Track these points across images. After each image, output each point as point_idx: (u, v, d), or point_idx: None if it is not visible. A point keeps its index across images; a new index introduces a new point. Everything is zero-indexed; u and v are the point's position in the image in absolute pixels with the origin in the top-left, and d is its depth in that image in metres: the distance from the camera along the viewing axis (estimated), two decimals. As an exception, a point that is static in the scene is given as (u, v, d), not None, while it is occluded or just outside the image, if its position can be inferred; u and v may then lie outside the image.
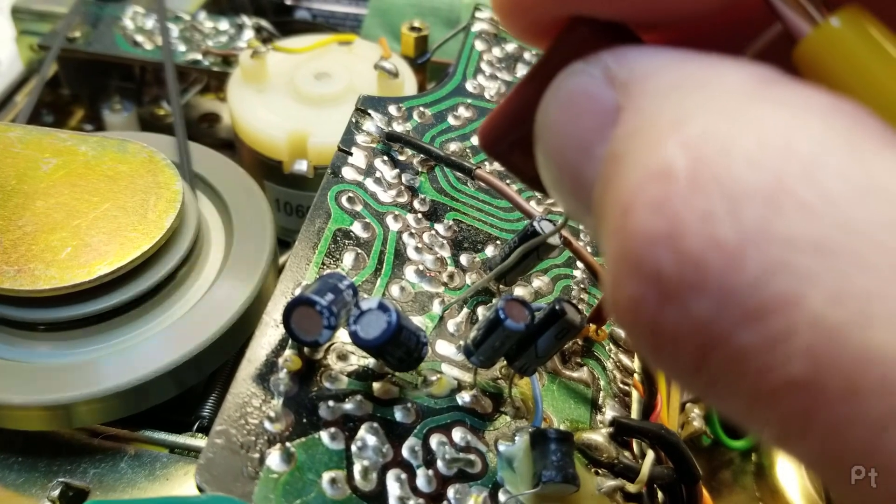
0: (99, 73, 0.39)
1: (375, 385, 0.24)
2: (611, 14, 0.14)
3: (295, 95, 0.35)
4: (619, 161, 0.12)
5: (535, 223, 0.25)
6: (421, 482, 0.22)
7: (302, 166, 0.33)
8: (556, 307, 0.23)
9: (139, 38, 0.38)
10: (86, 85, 0.39)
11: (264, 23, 0.39)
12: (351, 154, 0.28)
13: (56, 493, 0.25)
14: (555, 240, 0.25)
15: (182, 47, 0.38)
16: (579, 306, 0.28)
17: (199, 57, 0.38)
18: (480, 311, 0.26)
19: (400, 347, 0.22)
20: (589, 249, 0.28)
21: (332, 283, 0.23)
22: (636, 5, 0.14)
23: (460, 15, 0.40)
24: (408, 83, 0.35)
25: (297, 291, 0.24)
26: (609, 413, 0.26)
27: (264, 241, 0.30)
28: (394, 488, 0.22)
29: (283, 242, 0.32)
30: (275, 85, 0.35)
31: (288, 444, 0.21)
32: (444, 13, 0.41)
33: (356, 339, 0.22)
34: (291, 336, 0.22)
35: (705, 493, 0.26)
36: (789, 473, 0.31)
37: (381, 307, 0.22)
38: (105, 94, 0.39)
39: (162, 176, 0.28)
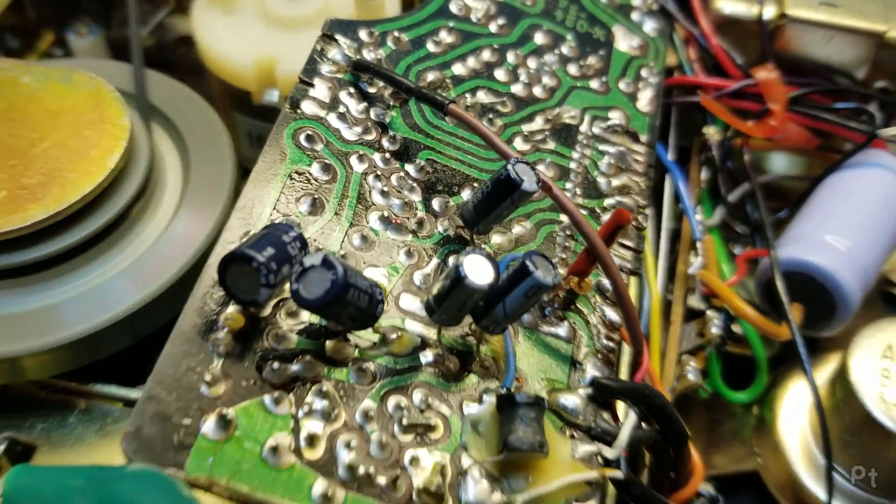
0: (65, -1, 0.36)
1: (328, 344, 0.22)
2: None
3: (265, 18, 0.32)
4: None
5: (510, 166, 0.22)
6: (374, 449, 0.20)
7: (273, 97, 0.31)
8: (526, 263, 0.21)
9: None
10: (52, 7, 0.37)
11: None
12: (313, 86, 0.26)
13: (1, 448, 0.24)
14: (531, 185, 0.22)
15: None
16: (564, 255, 0.25)
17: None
18: (452, 261, 0.24)
19: (348, 307, 0.20)
20: (567, 187, 0.26)
21: (276, 235, 0.21)
22: None
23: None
24: (389, 5, 0.32)
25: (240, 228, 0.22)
26: (590, 371, 0.23)
27: (224, 176, 0.28)
28: (343, 456, 0.20)
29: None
30: (244, 5, 0.32)
31: (226, 409, 0.20)
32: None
33: (299, 300, 0.19)
34: (227, 293, 0.20)
35: (694, 453, 0.24)
36: (792, 428, 0.29)
37: (326, 263, 0.19)
38: (74, 15, 0.37)
39: (109, 110, 0.26)
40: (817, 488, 0.28)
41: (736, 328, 0.30)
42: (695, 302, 0.30)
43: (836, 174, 0.31)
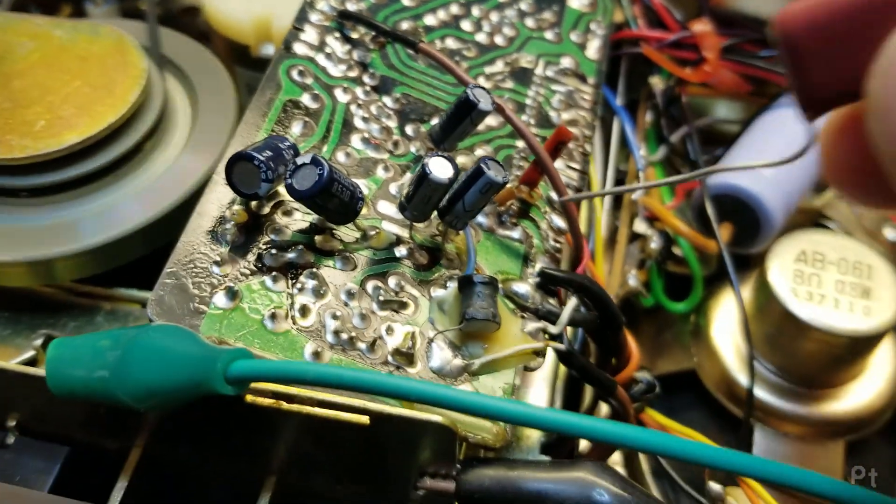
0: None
1: (318, 238, 0.26)
2: None
3: (261, -19, 0.36)
4: None
5: (469, 90, 0.27)
6: (356, 320, 0.25)
7: (268, 50, 0.35)
8: (480, 164, 0.25)
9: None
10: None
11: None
12: (303, 31, 0.30)
13: (38, 342, 0.28)
14: (486, 105, 0.27)
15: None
16: (519, 174, 0.30)
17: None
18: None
19: (333, 199, 0.24)
20: (523, 119, 0.30)
21: (274, 143, 0.25)
22: None
23: None
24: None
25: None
26: (539, 266, 0.28)
27: (228, 118, 0.32)
28: (330, 324, 0.24)
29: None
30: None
31: (232, 284, 0.24)
32: None
33: (291, 191, 0.24)
34: (233, 188, 0.25)
35: (631, 340, 0.28)
36: (724, 332, 0.33)
37: (315, 161, 0.24)
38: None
39: (129, 56, 0.30)
40: (744, 380, 0.32)
41: (676, 250, 0.34)
42: (639, 226, 0.34)
43: (764, 114, 0.36)
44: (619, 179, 0.36)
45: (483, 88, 0.27)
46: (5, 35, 0.31)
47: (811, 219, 0.38)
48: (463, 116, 0.27)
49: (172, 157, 0.31)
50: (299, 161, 0.24)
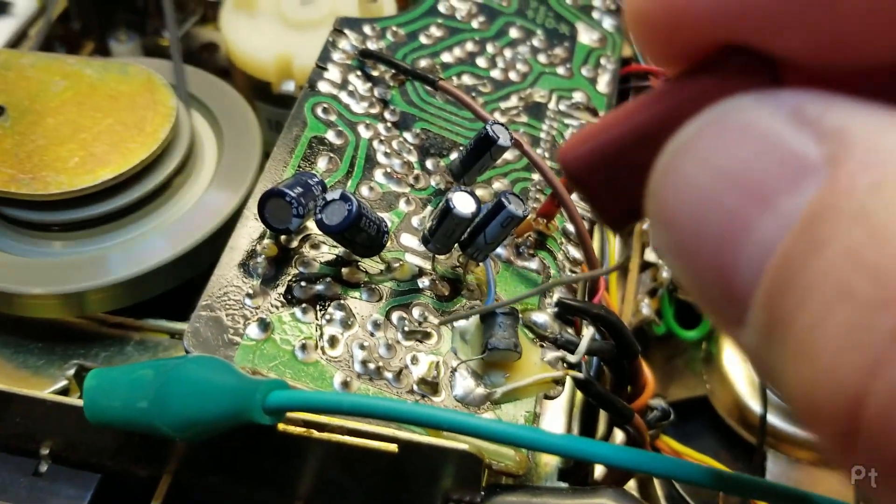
0: (105, 6, 0.42)
1: (344, 270, 0.27)
2: (782, 48, 0.12)
3: (282, 20, 0.37)
4: (842, 221, 0.10)
5: (488, 126, 0.28)
6: (382, 350, 0.25)
7: (289, 86, 0.36)
8: (501, 198, 0.26)
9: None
10: (94, 18, 0.42)
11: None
12: (327, 69, 0.31)
13: (71, 372, 0.29)
14: (505, 141, 0.28)
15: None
16: (535, 206, 0.31)
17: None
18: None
19: (361, 233, 0.25)
20: (538, 152, 0.31)
21: (303, 180, 0.26)
22: (820, 45, 0.12)
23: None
24: (387, 6, 0.38)
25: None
26: (556, 296, 0.29)
27: (252, 155, 0.33)
28: (358, 354, 0.25)
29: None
30: (263, 11, 0.38)
31: (264, 316, 0.25)
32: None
33: (321, 226, 0.25)
34: (265, 224, 0.26)
35: (646, 368, 0.29)
36: (735, 360, 0.34)
37: (344, 198, 0.25)
38: (112, 25, 0.42)
39: (159, 94, 0.32)
40: (757, 407, 0.33)
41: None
42: (650, 255, 0.35)
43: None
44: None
45: (501, 124, 0.28)
46: (39, 74, 0.32)
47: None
48: (482, 152, 0.28)
49: (199, 193, 0.32)
50: (329, 197, 0.25)
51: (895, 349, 0.09)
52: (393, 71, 0.32)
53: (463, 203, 0.25)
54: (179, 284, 0.30)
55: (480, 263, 0.28)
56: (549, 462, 0.30)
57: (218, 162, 0.33)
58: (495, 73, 0.34)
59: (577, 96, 0.34)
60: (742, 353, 0.10)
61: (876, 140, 0.10)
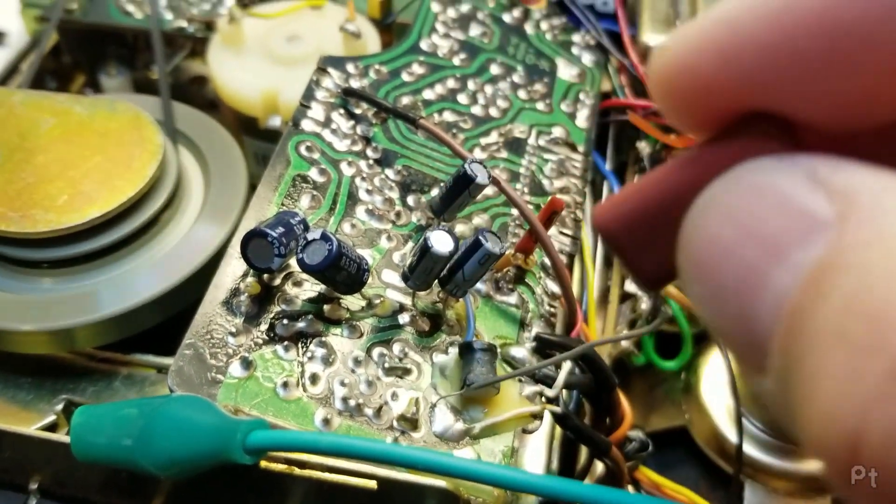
0: (96, 41, 0.43)
1: (326, 307, 0.27)
2: (801, 116, 0.13)
3: (269, 57, 0.38)
4: (842, 273, 0.10)
5: (467, 165, 0.28)
6: (363, 386, 0.26)
7: (275, 122, 0.37)
8: (478, 236, 0.27)
9: (130, 7, 0.41)
10: (84, 52, 0.43)
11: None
12: (310, 108, 0.32)
13: (59, 407, 0.30)
14: (483, 179, 0.28)
15: (169, 15, 0.41)
16: (514, 241, 0.31)
17: (184, 24, 0.41)
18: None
19: (342, 272, 0.26)
20: (517, 187, 0.32)
21: (285, 219, 0.27)
22: (835, 113, 0.13)
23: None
24: (371, 43, 0.39)
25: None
26: (535, 330, 0.29)
27: (238, 191, 0.34)
28: (339, 391, 0.26)
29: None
30: (251, 48, 0.38)
31: (247, 354, 0.25)
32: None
33: (303, 266, 0.25)
34: (248, 263, 0.26)
35: (623, 401, 0.29)
36: (713, 389, 0.35)
37: (324, 237, 0.25)
38: (102, 60, 0.43)
39: (146, 132, 0.32)
40: (734, 437, 0.33)
41: (666, 308, 0.35)
42: (630, 286, 0.36)
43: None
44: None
45: (480, 162, 0.29)
46: (28, 112, 0.33)
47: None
48: (461, 189, 0.29)
49: (186, 228, 0.32)
50: (310, 237, 0.25)
51: (888, 388, 0.10)
52: (375, 109, 0.33)
53: (441, 242, 0.26)
54: (167, 319, 0.31)
55: (460, 299, 0.28)
56: (530, 497, 0.30)
57: (205, 197, 0.34)
58: (476, 110, 0.35)
59: (557, 131, 0.35)
60: (766, 400, 0.11)
61: (879, 199, 0.11)
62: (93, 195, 0.30)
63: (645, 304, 0.34)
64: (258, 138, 0.38)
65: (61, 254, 0.30)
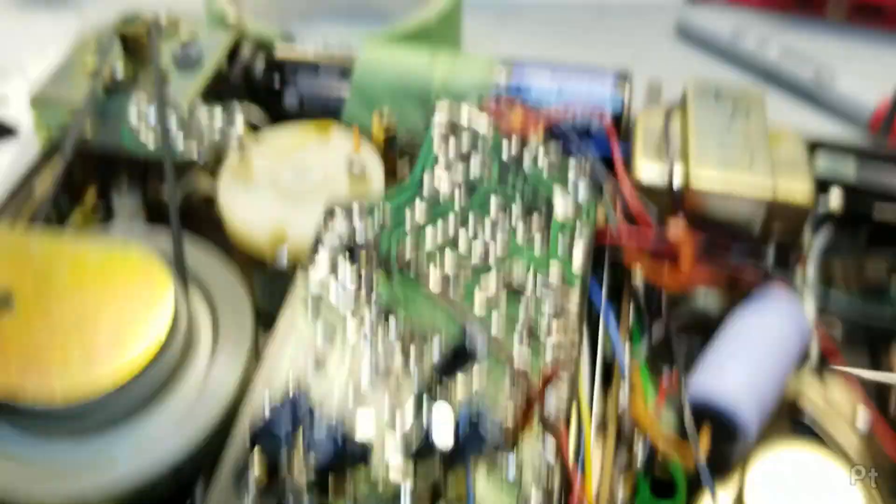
0: (108, 162, 0.44)
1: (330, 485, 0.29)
2: None
3: (276, 190, 0.39)
4: None
5: (466, 339, 0.30)
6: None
7: (283, 260, 0.38)
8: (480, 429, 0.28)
9: (142, 133, 0.43)
10: (95, 172, 0.44)
11: (254, 110, 0.44)
12: (314, 264, 0.34)
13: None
14: (482, 350, 0.30)
15: (181, 138, 0.43)
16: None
17: (195, 155, 0.42)
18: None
19: (346, 461, 0.27)
20: (514, 336, 0.33)
21: (292, 412, 0.28)
22: None
23: (430, 96, 0.45)
24: (375, 176, 0.40)
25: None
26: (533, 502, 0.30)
27: (245, 330, 0.35)
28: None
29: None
30: (259, 183, 0.40)
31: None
32: (416, 94, 0.45)
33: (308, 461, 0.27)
34: (255, 453, 0.28)
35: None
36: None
37: (329, 435, 0.27)
38: (114, 179, 0.44)
39: (158, 281, 0.33)
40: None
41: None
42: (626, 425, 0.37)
43: (740, 311, 0.39)
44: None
45: (478, 323, 0.30)
46: (44, 257, 0.34)
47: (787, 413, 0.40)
48: (461, 360, 0.30)
49: (200, 377, 0.34)
50: (316, 436, 0.27)
51: None
52: (378, 265, 0.34)
53: (443, 435, 0.27)
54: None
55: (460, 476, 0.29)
56: None
57: (213, 341, 0.35)
58: (475, 255, 0.36)
59: (553, 271, 0.36)
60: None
61: None
62: (106, 350, 0.31)
63: (641, 452, 0.35)
64: (264, 269, 0.40)
65: (77, 426, 0.31)
